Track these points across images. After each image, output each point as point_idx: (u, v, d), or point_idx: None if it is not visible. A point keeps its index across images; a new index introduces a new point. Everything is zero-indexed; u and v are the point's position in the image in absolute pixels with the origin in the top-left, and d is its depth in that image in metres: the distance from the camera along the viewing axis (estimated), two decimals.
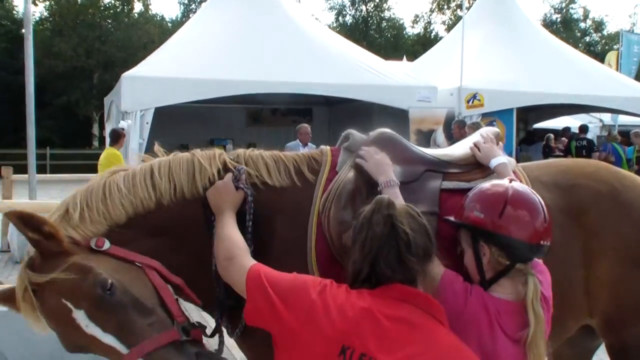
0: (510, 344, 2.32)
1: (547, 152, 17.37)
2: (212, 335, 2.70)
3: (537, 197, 2.47)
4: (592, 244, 2.90)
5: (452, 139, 12.66)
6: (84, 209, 2.54)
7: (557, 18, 54.37)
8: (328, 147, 3.03)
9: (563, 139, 18.83)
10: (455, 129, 12.13)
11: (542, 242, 2.42)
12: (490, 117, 14.24)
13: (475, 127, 11.46)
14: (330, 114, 19.22)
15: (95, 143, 37.65)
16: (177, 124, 12.85)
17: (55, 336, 6.08)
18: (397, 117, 13.13)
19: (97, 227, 2.52)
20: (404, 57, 27.40)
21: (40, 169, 26.15)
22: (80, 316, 2.33)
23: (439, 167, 2.92)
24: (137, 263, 2.50)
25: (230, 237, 2.46)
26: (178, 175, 2.68)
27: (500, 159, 2.87)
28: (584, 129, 16.46)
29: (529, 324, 2.31)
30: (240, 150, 2.89)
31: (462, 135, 11.27)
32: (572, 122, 20.84)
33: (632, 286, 2.93)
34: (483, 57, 15.23)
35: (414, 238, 2.16)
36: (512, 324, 2.34)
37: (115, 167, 2.77)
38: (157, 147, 2.90)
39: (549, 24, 49.46)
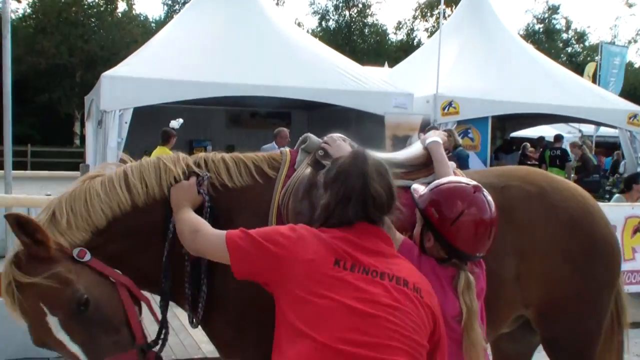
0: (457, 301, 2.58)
1: (523, 161, 17.60)
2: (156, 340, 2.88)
3: (491, 214, 2.67)
4: (522, 239, 3.13)
5: None
6: (69, 214, 2.68)
7: (539, 28, 54.88)
8: (287, 149, 3.24)
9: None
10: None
11: (478, 254, 2.68)
12: (465, 125, 14.47)
13: (448, 133, 11.67)
14: (309, 118, 19.36)
15: (77, 141, 37.54)
16: (156, 124, 12.91)
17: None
18: (375, 122, 13.32)
19: (81, 234, 2.68)
20: (386, 64, 27.64)
21: (21, 166, 26.09)
22: (53, 321, 2.49)
23: None
24: (111, 279, 2.65)
25: (191, 217, 2.63)
26: (149, 177, 2.83)
27: (434, 138, 3.13)
28: (558, 138, 16.68)
29: (461, 311, 2.52)
30: (202, 154, 3.07)
31: (450, 144, 11.43)
32: (551, 131, 21.07)
33: (561, 280, 3.14)
34: (460, 66, 15.45)
35: (380, 196, 2.43)
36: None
37: (93, 172, 2.92)
38: (124, 155, 3.10)
39: (531, 34, 50.01)
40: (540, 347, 3.51)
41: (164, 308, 2.93)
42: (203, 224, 2.59)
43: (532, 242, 3.14)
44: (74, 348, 2.49)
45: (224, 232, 2.44)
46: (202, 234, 2.53)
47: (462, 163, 10.81)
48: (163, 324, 2.88)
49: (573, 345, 3.24)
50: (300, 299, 2.25)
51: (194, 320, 2.91)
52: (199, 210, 2.78)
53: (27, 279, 2.48)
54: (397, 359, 2.16)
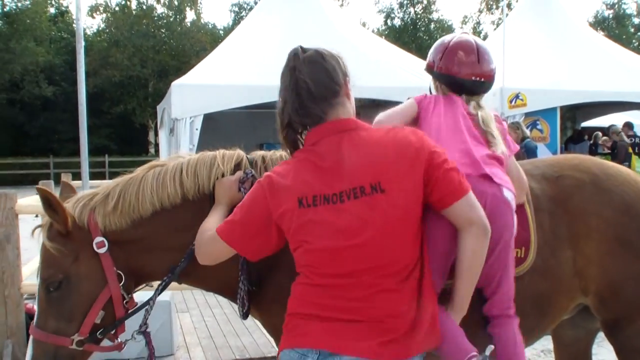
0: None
1: (594, 151, 17.23)
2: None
3: (474, 40, 3.07)
4: (577, 227, 3.15)
5: None
6: (119, 199, 2.76)
7: (609, 14, 53.38)
8: None
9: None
10: (510, 132, 12.00)
11: (474, 77, 3.00)
12: (533, 117, 14.30)
13: (515, 127, 11.59)
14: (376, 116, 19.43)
15: (152, 150, 38.52)
16: (226, 130, 13.25)
17: None
18: None
19: (123, 220, 2.75)
20: None
21: (100, 176, 27.09)
22: (38, 278, 2.78)
23: None
24: (106, 279, 2.72)
25: (202, 228, 2.64)
26: (201, 172, 2.86)
27: None
28: (629, 126, 16.29)
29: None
30: (262, 152, 3.08)
31: (517, 137, 11.33)
32: (624, 119, 20.52)
33: (619, 264, 3.18)
34: (526, 57, 15.27)
35: (313, 85, 2.37)
36: None
37: (158, 162, 2.98)
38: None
39: (600, 21, 48.67)
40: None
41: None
42: (201, 233, 2.63)
43: (588, 231, 3.16)
44: (36, 306, 2.75)
45: (214, 233, 2.49)
46: (201, 247, 2.60)
47: (530, 155, 10.71)
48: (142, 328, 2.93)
49: (635, 325, 3.27)
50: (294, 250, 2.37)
51: (244, 312, 2.92)
52: None
53: (43, 237, 2.73)
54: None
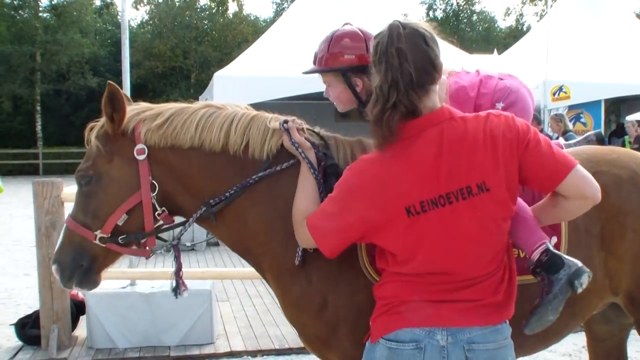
0: None
1: (638, 147, 16.87)
2: None
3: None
4: (612, 226, 3.06)
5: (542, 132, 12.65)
6: (167, 120, 2.80)
7: None
8: None
9: None
10: (552, 123, 11.85)
11: None
12: (577, 110, 14.12)
13: (558, 119, 11.43)
14: None
15: None
16: None
17: (149, 316, 6.75)
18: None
19: (164, 140, 2.78)
20: (495, 51, 27.12)
21: None
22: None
23: None
24: (139, 185, 2.77)
25: (296, 206, 2.61)
26: (253, 134, 2.83)
27: None
28: None
29: None
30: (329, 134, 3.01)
31: (560, 129, 11.18)
32: None
33: None
34: (570, 49, 15.04)
35: (416, 71, 2.25)
36: None
37: (217, 103, 2.95)
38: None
39: None
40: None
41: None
42: (296, 211, 2.60)
43: (623, 230, 3.07)
44: (77, 198, 2.85)
45: (306, 224, 2.46)
46: (295, 222, 2.58)
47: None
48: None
49: None
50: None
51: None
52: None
53: (89, 135, 2.84)
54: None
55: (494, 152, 2.25)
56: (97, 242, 2.76)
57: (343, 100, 3.15)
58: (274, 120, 2.89)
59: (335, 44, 3.05)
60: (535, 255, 2.54)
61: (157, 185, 2.78)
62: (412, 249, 2.27)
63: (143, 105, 2.92)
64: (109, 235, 2.77)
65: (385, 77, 2.27)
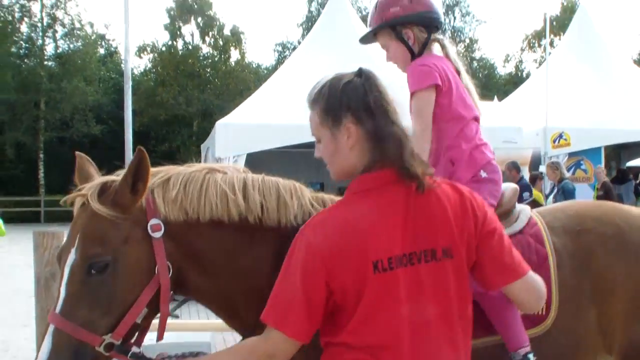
0: None
1: None
2: None
3: None
4: (601, 284, 3.02)
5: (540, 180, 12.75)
6: (181, 190, 2.49)
7: None
8: None
9: None
10: (549, 171, 11.92)
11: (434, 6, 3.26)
12: (577, 157, 14.16)
13: (554, 167, 11.49)
14: None
15: None
16: (270, 169, 13.12)
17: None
18: None
19: (180, 214, 2.47)
20: (495, 97, 27.32)
21: None
22: (71, 254, 2.36)
23: None
24: (156, 269, 2.38)
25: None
26: (270, 200, 2.61)
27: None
28: None
29: None
30: (322, 194, 2.83)
31: (556, 177, 11.26)
32: None
33: None
34: (570, 95, 15.19)
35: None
36: None
37: (216, 166, 2.73)
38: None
39: None
40: None
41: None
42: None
43: (612, 287, 3.03)
44: (62, 288, 2.31)
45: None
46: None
47: (568, 197, 10.57)
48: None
49: None
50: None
51: None
52: None
53: (94, 203, 2.37)
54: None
55: (462, 222, 2.13)
56: (100, 349, 2.26)
57: (401, 58, 3.30)
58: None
59: (380, 4, 3.25)
60: (517, 356, 2.71)
61: (170, 267, 2.43)
62: (375, 309, 2.04)
63: None
64: (121, 339, 2.31)
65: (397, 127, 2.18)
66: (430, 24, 3.26)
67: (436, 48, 3.33)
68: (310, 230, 2.10)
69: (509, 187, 3.31)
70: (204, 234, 2.51)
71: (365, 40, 3.44)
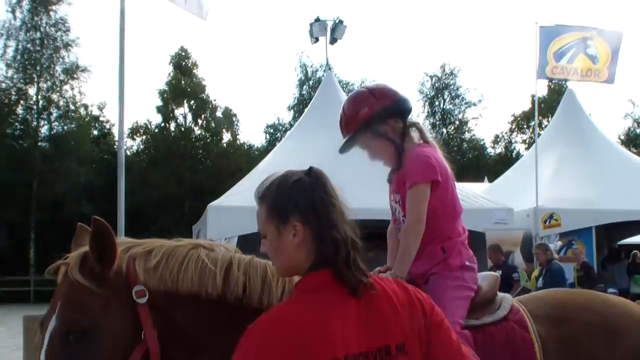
0: None
1: (632, 270, 16.90)
2: None
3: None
4: None
5: (530, 260, 12.73)
6: (162, 261, 2.49)
7: None
8: None
9: None
10: (539, 253, 11.91)
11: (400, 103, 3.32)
12: (568, 237, 14.21)
13: (544, 248, 11.52)
14: None
15: None
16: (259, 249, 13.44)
17: None
18: (475, 239, 13.24)
19: (161, 283, 2.46)
20: (486, 178, 27.59)
21: None
22: (52, 321, 2.37)
23: None
24: (142, 335, 2.38)
25: None
26: (254, 280, 2.58)
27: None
28: None
29: None
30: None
31: (547, 258, 11.23)
32: None
33: None
34: (559, 176, 15.40)
35: None
36: None
37: (205, 242, 2.72)
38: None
39: (632, 138, 48.75)
40: None
41: None
42: None
43: None
44: (42, 356, 2.32)
45: None
46: None
47: (555, 277, 10.56)
48: None
49: None
50: None
51: None
52: None
53: (73, 272, 2.39)
54: None
55: (411, 317, 2.10)
56: None
57: (385, 153, 3.34)
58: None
59: (347, 111, 3.32)
60: None
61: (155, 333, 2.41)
62: None
63: (127, 239, 2.66)
64: None
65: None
66: (402, 112, 3.34)
67: (415, 134, 3.39)
68: (261, 330, 2.02)
69: (489, 276, 3.42)
70: (183, 306, 2.49)
71: (344, 149, 3.44)
